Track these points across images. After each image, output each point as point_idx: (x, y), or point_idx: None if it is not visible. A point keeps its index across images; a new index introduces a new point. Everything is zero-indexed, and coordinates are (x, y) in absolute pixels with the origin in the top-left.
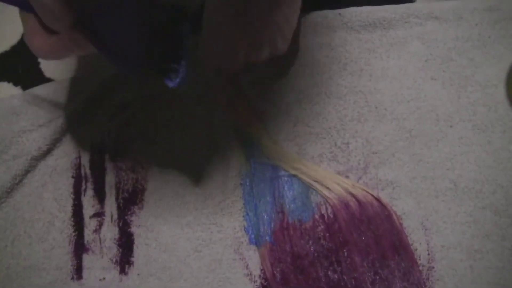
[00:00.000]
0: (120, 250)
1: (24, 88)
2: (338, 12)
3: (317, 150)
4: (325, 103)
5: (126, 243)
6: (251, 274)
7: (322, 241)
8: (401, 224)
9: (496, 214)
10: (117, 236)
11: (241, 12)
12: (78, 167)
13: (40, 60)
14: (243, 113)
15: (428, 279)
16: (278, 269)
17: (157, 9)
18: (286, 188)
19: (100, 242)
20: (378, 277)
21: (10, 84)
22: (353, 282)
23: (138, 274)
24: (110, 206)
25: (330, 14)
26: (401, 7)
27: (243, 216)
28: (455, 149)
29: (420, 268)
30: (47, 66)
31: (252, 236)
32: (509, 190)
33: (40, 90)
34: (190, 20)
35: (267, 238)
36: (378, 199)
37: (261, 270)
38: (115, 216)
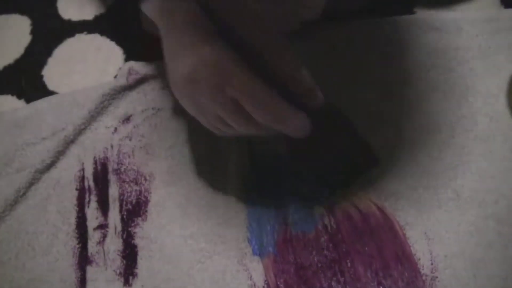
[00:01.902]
0: (124, 262)
1: (28, 101)
2: (340, 24)
3: None
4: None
5: (130, 255)
6: (254, 285)
7: (325, 252)
8: (404, 235)
9: (499, 223)
10: (121, 248)
11: None
12: (81, 179)
13: (43, 73)
14: None
15: None
16: (281, 280)
17: None
18: (289, 199)
19: (104, 254)
20: (381, 287)
21: (14, 97)
22: None
23: (142, 286)
24: (114, 218)
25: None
26: (402, 19)
27: (246, 227)
28: (457, 159)
29: (423, 278)
30: (50, 79)
31: (256, 247)
32: (511, 199)
33: (43, 103)
34: None
35: (270, 249)
36: (381, 210)
37: (265, 281)
38: (119, 228)
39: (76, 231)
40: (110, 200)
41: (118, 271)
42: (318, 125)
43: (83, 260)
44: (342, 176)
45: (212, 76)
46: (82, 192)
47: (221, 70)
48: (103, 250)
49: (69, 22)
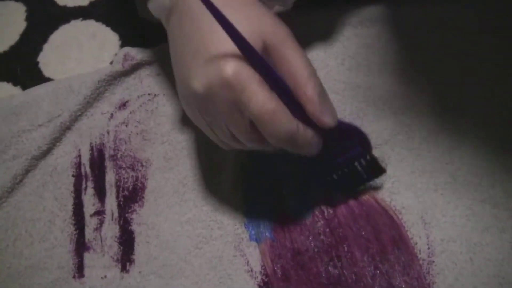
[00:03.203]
0: (121, 248)
1: (24, 88)
2: (336, 8)
3: None
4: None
5: (127, 241)
6: (252, 271)
7: (322, 237)
8: (399, 219)
9: (495, 207)
10: (118, 234)
11: None
12: (78, 166)
13: (39, 60)
14: None
15: (428, 272)
16: (278, 265)
17: None
18: (285, 184)
19: (101, 241)
20: (378, 272)
21: (10, 84)
22: (354, 277)
23: (139, 272)
24: (111, 205)
25: (327, 10)
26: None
27: (243, 213)
28: (453, 143)
29: (420, 262)
30: (46, 66)
31: (253, 232)
32: (508, 183)
33: (39, 89)
34: None
35: (267, 234)
36: (374, 195)
37: (262, 266)
38: (116, 214)
39: (73, 217)
40: (107, 186)
41: (115, 257)
42: (330, 139)
43: (81, 246)
44: (345, 185)
45: (232, 94)
46: (78, 179)
47: (239, 87)
48: (100, 236)
49: (65, 8)
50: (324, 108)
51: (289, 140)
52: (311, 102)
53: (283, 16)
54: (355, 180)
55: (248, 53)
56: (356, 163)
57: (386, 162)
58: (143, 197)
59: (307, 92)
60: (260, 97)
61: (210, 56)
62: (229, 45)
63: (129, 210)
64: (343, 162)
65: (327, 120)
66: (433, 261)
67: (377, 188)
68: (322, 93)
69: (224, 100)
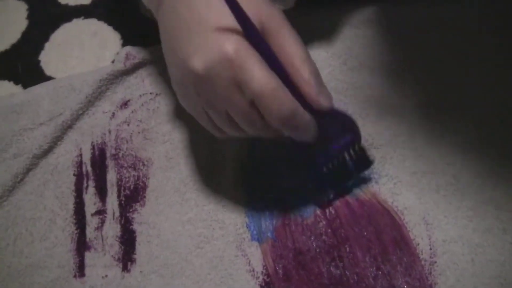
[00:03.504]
0: (122, 247)
1: (25, 86)
2: (337, 8)
3: None
4: None
5: (128, 240)
6: (253, 270)
7: (323, 237)
8: (401, 220)
9: (497, 208)
10: (119, 233)
11: None
12: (79, 165)
13: (40, 58)
14: None
15: (430, 273)
16: (280, 265)
17: None
18: (287, 184)
19: (102, 240)
20: (380, 272)
21: (11, 83)
22: (355, 277)
23: (141, 271)
24: (112, 204)
25: (329, 10)
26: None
27: (245, 213)
28: (455, 144)
29: (422, 262)
30: (47, 65)
31: (254, 232)
32: (510, 184)
33: (40, 88)
34: None
35: (269, 234)
36: (377, 195)
37: (263, 266)
38: (117, 214)
39: (74, 216)
40: (108, 185)
41: (116, 257)
42: (323, 126)
43: (81, 245)
44: (336, 177)
45: (232, 72)
46: (80, 178)
47: (241, 65)
48: (101, 235)
49: (66, 6)
50: (320, 90)
51: (289, 120)
52: (308, 84)
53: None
54: (345, 172)
55: (249, 31)
56: (345, 154)
57: (373, 155)
58: (144, 197)
59: (304, 74)
60: (261, 75)
61: (209, 33)
62: (228, 21)
63: (130, 210)
64: (336, 150)
65: (324, 102)
66: (435, 262)
67: (378, 189)
68: (318, 76)
69: (224, 78)
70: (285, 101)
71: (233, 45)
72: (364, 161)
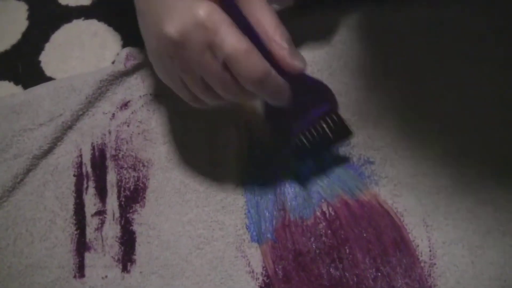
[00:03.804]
0: (122, 248)
1: (25, 87)
2: (338, 9)
3: None
4: None
5: (128, 241)
6: (253, 272)
7: (323, 238)
8: (401, 221)
9: (497, 210)
10: (119, 234)
11: None
12: (79, 165)
13: (40, 59)
14: None
15: (430, 275)
16: (280, 266)
17: None
18: (287, 185)
19: (102, 240)
20: (379, 274)
21: (11, 83)
22: (355, 279)
23: (140, 272)
24: (112, 205)
25: (329, 11)
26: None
27: (245, 214)
28: (455, 146)
29: (422, 264)
30: (47, 65)
31: (254, 233)
32: (510, 186)
33: (40, 89)
34: None
35: (268, 235)
36: (377, 197)
37: (263, 267)
38: (117, 214)
39: (74, 217)
40: (108, 186)
41: (116, 257)
42: (299, 94)
43: (81, 246)
44: (313, 146)
45: (206, 36)
46: (80, 178)
47: (213, 28)
48: (101, 236)
49: (66, 7)
50: (293, 53)
51: (261, 81)
52: (281, 47)
53: (285, 16)
54: (322, 141)
55: None
56: (323, 124)
57: (354, 127)
58: (144, 197)
59: (276, 38)
60: (233, 37)
61: (183, 0)
62: None
63: (130, 210)
64: (311, 117)
65: (297, 64)
66: (435, 264)
67: (378, 190)
68: (290, 41)
69: (197, 42)
70: (257, 62)
71: (206, 10)
72: (343, 131)
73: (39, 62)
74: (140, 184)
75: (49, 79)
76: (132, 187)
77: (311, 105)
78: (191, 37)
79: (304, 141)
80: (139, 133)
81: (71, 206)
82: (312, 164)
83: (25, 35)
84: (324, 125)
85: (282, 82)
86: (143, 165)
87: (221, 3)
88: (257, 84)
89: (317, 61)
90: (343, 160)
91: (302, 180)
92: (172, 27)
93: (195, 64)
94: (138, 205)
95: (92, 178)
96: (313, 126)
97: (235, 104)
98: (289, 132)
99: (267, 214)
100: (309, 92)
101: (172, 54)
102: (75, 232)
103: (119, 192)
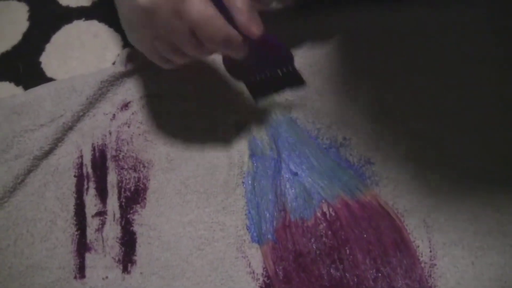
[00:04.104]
0: (123, 249)
1: (26, 87)
2: (339, 10)
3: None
4: (327, 99)
5: (128, 242)
6: (253, 272)
7: (324, 239)
8: (402, 222)
9: (498, 211)
10: (119, 235)
11: None
12: (80, 166)
13: (41, 59)
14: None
15: (430, 276)
16: (280, 267)
17: None
18: (287, 186)
19: (103, 241)
20: (380, 274)
21: (12, 84)
22: (355, 279)
23: (141, 273)
24: (112, 205)
25: (331, 12)
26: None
27: (245, 215)
28: (456, 146)
29: (422, 265)
30: (48, 66)
31: (255, 234)
32: (510, 187)
33: (41, 89)
34: None
35: (269, 236)
36: (376, 198)
37: (264, 268)
38: (118, 215)
39: (75, 218)
40: (109, 187)
41: (116, 258)
42: (257, 50)
43: (82, 247)
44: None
45: (174, 3)
46: (80, 179)
47: None
48: (102, 237)
49: (67, 8)
50: (252, 19)
51: (223, 43)
52: (241, 12)
53: (285, 17)
54: (275, 84)
55: None
56: (278, 70)
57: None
58: (145, 198)
59: (237, 4)
60: (198, 4)
61: None
62: None
63: (131, 211)
64: (268, 66)
65: (255, 30)
66: (435, 265)
67: (379, 191)
68: (250, 6)
69: (166, 9)
70: (220, 27)
71: None
72: (295, 79)
73: (40, 63)
74: (141, 185)
75: (50, 79)
76: (132, 188)
77: (268, 57)
78: (160, 4)
79: (258, 80)
80: (139, 134)
81: (71, 207)
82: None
83: (26, 35)
84: (279, 71)
85: (241, 41)
86: (144, 166)
87: None
88: (221, 45)
89: (317, 60)
90: (343, 161)
91: (302, 181)
92: None
93: (165, 30)
94: (138, 206)
95: (92, 179)
96: (269, 73)
97: (235, 104)
98: (247, 78)
99: (267, 215)
100: (267, 48)
101: (143, 22)
102: (76, 233)
103: (119, 193)
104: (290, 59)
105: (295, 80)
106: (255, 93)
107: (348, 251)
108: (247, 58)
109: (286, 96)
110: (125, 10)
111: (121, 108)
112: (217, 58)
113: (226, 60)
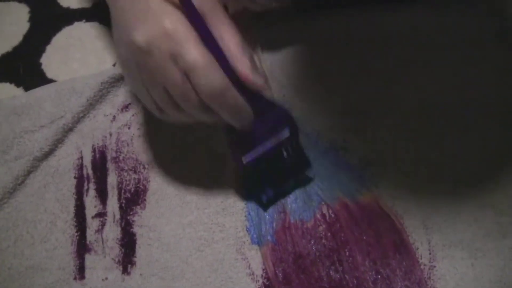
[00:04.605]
0: (123, 250)
1: (26, 89)
2: (338, 12)
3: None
4: (327, 101)
5: (128, 243)
6: (253, 274)
7: (323, 241)
8: (401, 224)
9: (497, 212)
10: (119, 236)
11: None
12: (80, 167)
13: (41, 61)
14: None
15: (429, 278)
16: (280, 269)
17: None
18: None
19: (103, 242)
20: (379, 276)
21: (12, 85)
22: (355, 281)
23: (141, 274)
24: (112, 207)
25: (329, 13)
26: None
27: (245, 216)
28: (455, 148)
29: (422, 267)
30: (49, 67)
31: (254, 235)
32: (509, 188)
33: (42, 91)
34: None
35: (269, 237)
36: (376, 200)
37: (263, 269)
38: (118, 216)
39: (75, 219)
40: (109, 188)
41: (116, 259)
42: (257, 118)
43: (82, 248)
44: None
45: (170, 46)
46: (80, 180)
47: (178, 40)
48: (102, 238)
49: (68, 9)
50: (253, 69)
51: (219, 97)
52: (242, 61)
53: (283, 19)
54: (278, 171)
55: (190, 11)
56: (283, 150)
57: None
58: (145, 199)
59: (238, 54)
60: (195, 50)
61: (152, 10)
62: (170, 4)
63: (131, 212)
64: (271, 144)
65: (257, 79)
66: (434, 266)
67: (378, 193)
68: (252, 59)
69: (162, 51)
70: (216, 76)
71: (173, 21)
72: (301, 162)
73: (40, 64)
74: (141, 186)
75: (50, 81)
76: (132, 189)
77: (269, 132)
78: (157, 45)
79: (258, 165)
80: (140, 136)
81: (71, 208)
82: (270, 193)
83: (27, 37)
84: (283, 151)
85: (241, 100)
86: (144, 167)
87: (188, 15)
88: (214, 98)
89: (317, 62)
90: (343, 163)
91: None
92: (140, 35)
93: (159, 72)
94: (138, 207)
95: (92, 180)
96: (270, 154)
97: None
98: (243, 157)
99: (267, 216)
100: (269, 117)
101: (138, 62)
102: (76, 234)
103: (119, 194)
104: (295, 130)
105: (299, 162)
106: (253, 180)
107: (347, 253)
108: (249, 135)
109: (285, 98)
110: (122, 47)
111: (122, 110)
112: None
113: (230, 141)
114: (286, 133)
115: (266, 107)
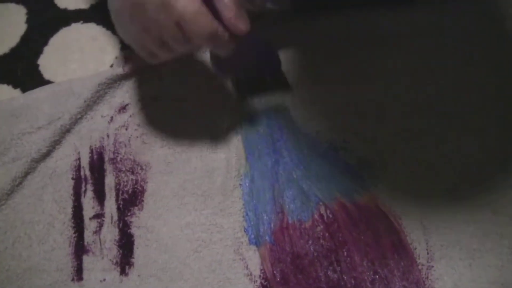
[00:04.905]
0: (120, 251)
1: (24, 90)
2: (337, 13)
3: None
4: (326, 102)
5: (126, 244)
6: (251, 274)
7: (321, 241)
8: (399, 224)
9: (495, 213)
10: (117, 237)
11: None
12: (77, 169)
13: (39, 62)
14: None
15: (427, 278)
16: (278, 269)
17: None
18: (285, 188)
19: (100, 243)
20: (377, 276)
21: (10, 87)
22: (353, 282)
23: (139, 275)
24: (110, 208)
25: (328, 14)
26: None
27: (243, 217)
28: (454, 149)
29: (420, 267)
30: (46, 69)
31: (252, 236)
32: (507, 189)
33: (39, 92)
34: None
35: (267, 238)
36: (374, 200)
37: (261, 270)
38: (115, 218)
39: (72, 220)
40: (106, 189)
41: (114, 260)
42: (242, 47)
43: (80, 249)
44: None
45: None
46: (78, 182)
47: None
48: (100, 239)
49: (65, 11)
50: (239, 15)
51: (209, 38)
52: (228, 9)
53: (282, 20)
54: (261, 86)
55: None
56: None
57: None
58: (142, 201)
59: (225, 0)
60: None
61: None
62: None
63: (129, 213)
64: (252, 65)
65: (241, 26)
66: (432, 266)
67: (377, 193)
68: (238, 3)
69: (154, 1)
70: (206, 22)
71: None
72: (283, 84)
73: (38, 65)
74: (138, 187)
75: (48, 82)
76: (130, 190)
77: (255, 59)
78: None
79: (243, 79)
80: (137, 136)
81: (69, 209)
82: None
83: (24, 38)
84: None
85: (227, 37)
86: (141, 168)
87: None
88: (206, 40)
89: (316, 62)
90: (342, 163)
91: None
92: None
93: (152, 22)
94: (136, 208)
95: (90, 181)
96: (255, 75)
97: (232, 106)
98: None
99: (265, 217)
100: (254, 50)
101: (132, 14)
102: (74, 235)
103: (117, 195)
104: (277, 63)
105: (281, 84)
106: (241, 90)
107: (345, 253)
108: (233, 57)
109: (284, 99)
110: (115, 2)
111: (119, 111)
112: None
113: (213, 56)
114: (269, 64)
115: (251, 41)
